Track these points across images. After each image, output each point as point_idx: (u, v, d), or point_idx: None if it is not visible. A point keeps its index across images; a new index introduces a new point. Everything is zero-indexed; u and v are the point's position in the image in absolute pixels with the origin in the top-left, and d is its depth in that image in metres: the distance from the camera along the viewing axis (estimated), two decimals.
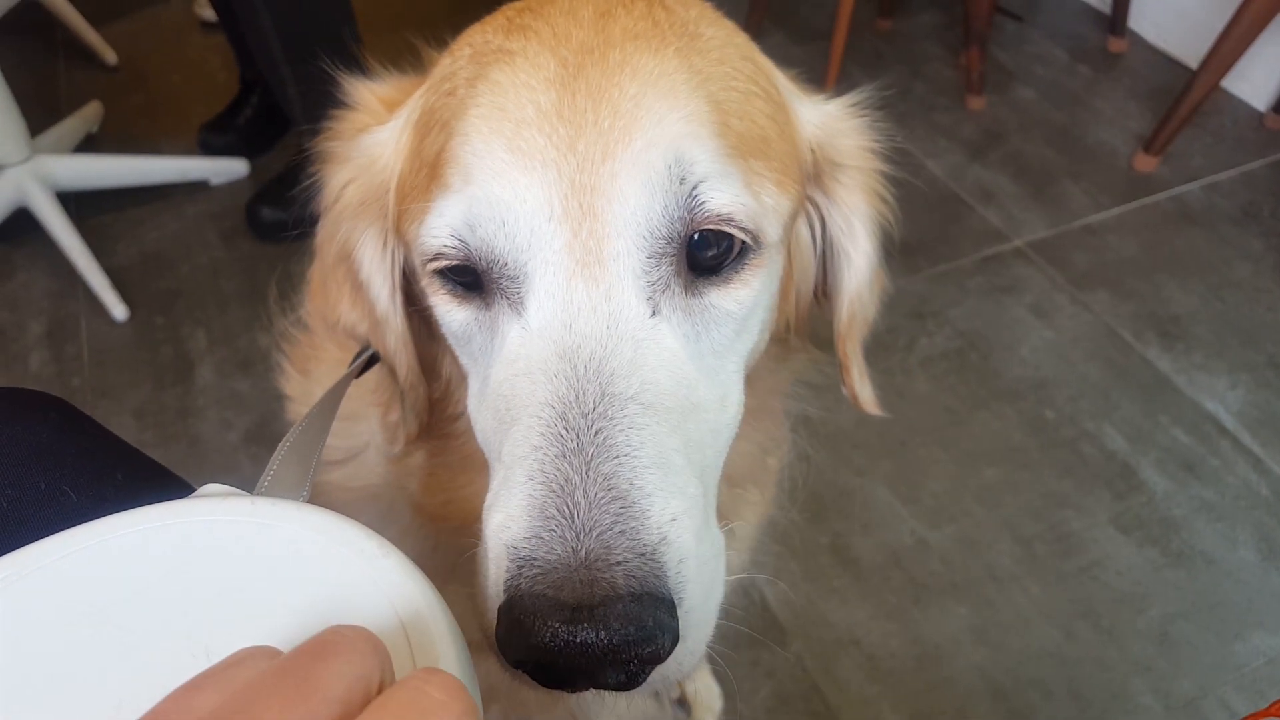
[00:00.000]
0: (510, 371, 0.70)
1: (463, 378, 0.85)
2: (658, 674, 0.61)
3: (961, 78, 3.25)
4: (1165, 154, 2.97)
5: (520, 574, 0.59)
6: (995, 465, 2.19)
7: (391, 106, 0.86)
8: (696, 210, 0.70)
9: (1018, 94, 3.31)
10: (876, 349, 2.45)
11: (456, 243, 0.71)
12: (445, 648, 0.50)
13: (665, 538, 0.61)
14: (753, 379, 0.83)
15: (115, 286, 2.55)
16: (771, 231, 0.76)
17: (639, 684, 0.60)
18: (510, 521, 0.62)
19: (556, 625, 0.56)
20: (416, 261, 0.78)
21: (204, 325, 2.55)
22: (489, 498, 0.68)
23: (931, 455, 2.21)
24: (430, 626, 0.51)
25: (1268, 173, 2.99)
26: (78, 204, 2.76)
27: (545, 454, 0.63)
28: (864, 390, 0.98)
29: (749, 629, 0.89)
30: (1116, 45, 3.50)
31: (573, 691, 0.61)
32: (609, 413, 0.64)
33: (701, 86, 0.72)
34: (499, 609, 0.60)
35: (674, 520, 0.62)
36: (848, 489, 2.15)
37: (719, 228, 0.71)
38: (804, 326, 0.96)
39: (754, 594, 1.97)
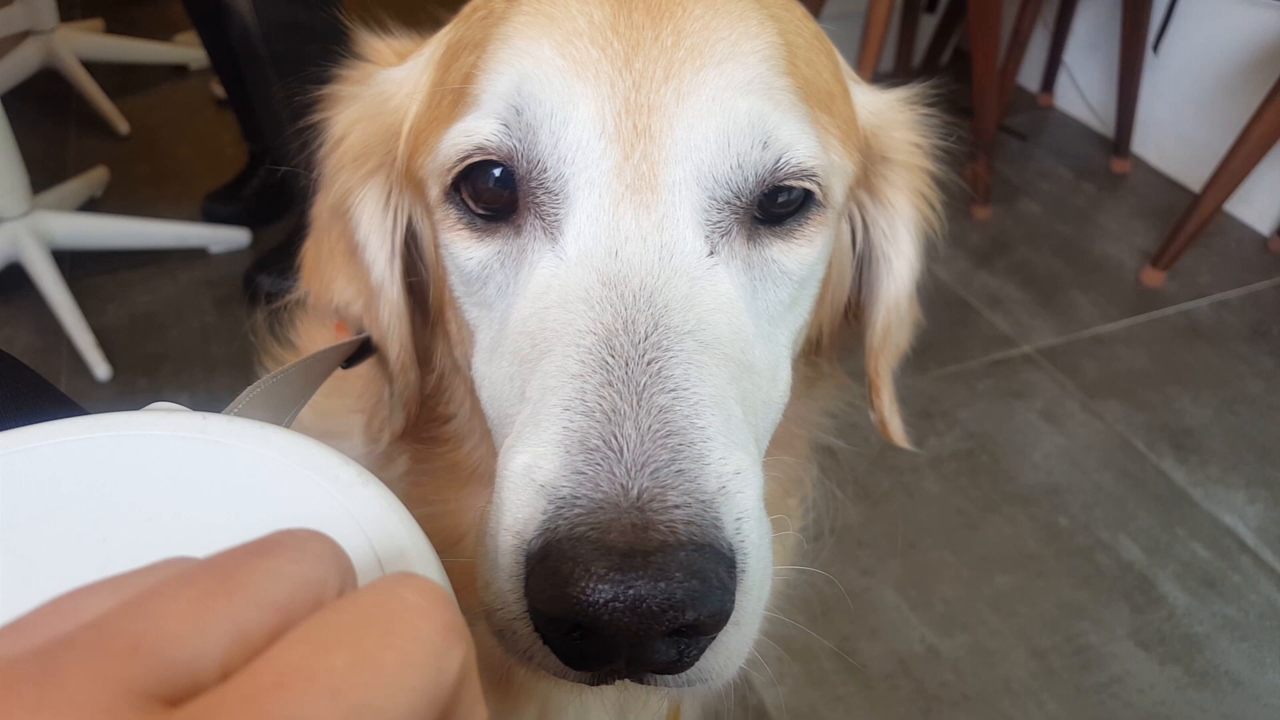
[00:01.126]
0: (540, 305, 0.61)
1: (457, 369, 0.76)
2: (707, 660, 0.51)
3: (968, 189, 3.27)
4: (1173, 270, 2.96)
5: (559, 514, 0.49)
6: (1008, 572, 2.09)
7: (406, 57, 0.79)
8: (779, 169, 0.64)
9: (1023, 207, 3.32)
10: (886, 445, 2.37)
11: (498, 132, 0.63)
12: None
13: (725, 488, 0.52)
14: None
15: (101, 346, 2.47)
16: (838, 190, 0.71)
17: (688, 665, 0.50)
18: (542, 459, 0.52)
19: (605, 572, 0.46)
20: (432, 194, 0.70)
21: (189, 389, 2.46)
22: (508, 442, 0.58)
23: (942, 558, 2.11)
24: (413, 568, 0.42)
25: (1275, 294, 2.98)
26: (73, 263, 2.71)
27: (587, 382, 0.54)
28: (894, 420, 0.91)
29: None
30: (1120, 166, 3.55)
31: (601, 677, 0.51)
32: (664, 343, 0.56)
33: (772, 20, 0.67)
34: (530, 556, 0.50)
35: (738, 473, 0.53)
36: (854, 590, 2.04)
37: (798, 182, 0.66)
38: (834, 347, 0.89)
39: (751, 698, 1.84)
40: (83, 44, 3.39)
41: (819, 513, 1.06)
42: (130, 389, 2.45)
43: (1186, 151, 3.42)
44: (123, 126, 3.37)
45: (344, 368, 0.80)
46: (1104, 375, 2.62)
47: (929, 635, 1.96)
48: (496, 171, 0.65)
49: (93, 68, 3.39)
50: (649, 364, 0.55)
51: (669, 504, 0.49)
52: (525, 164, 0.63)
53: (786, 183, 0.65)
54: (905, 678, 1.89)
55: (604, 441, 0.51)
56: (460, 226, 0.68)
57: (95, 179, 3.02)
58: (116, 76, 3.57)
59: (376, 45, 0.81)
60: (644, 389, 0.53)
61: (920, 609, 2.01)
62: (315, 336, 0.98)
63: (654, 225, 0.61)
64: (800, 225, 0.68)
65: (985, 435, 2.41)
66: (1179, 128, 3.46)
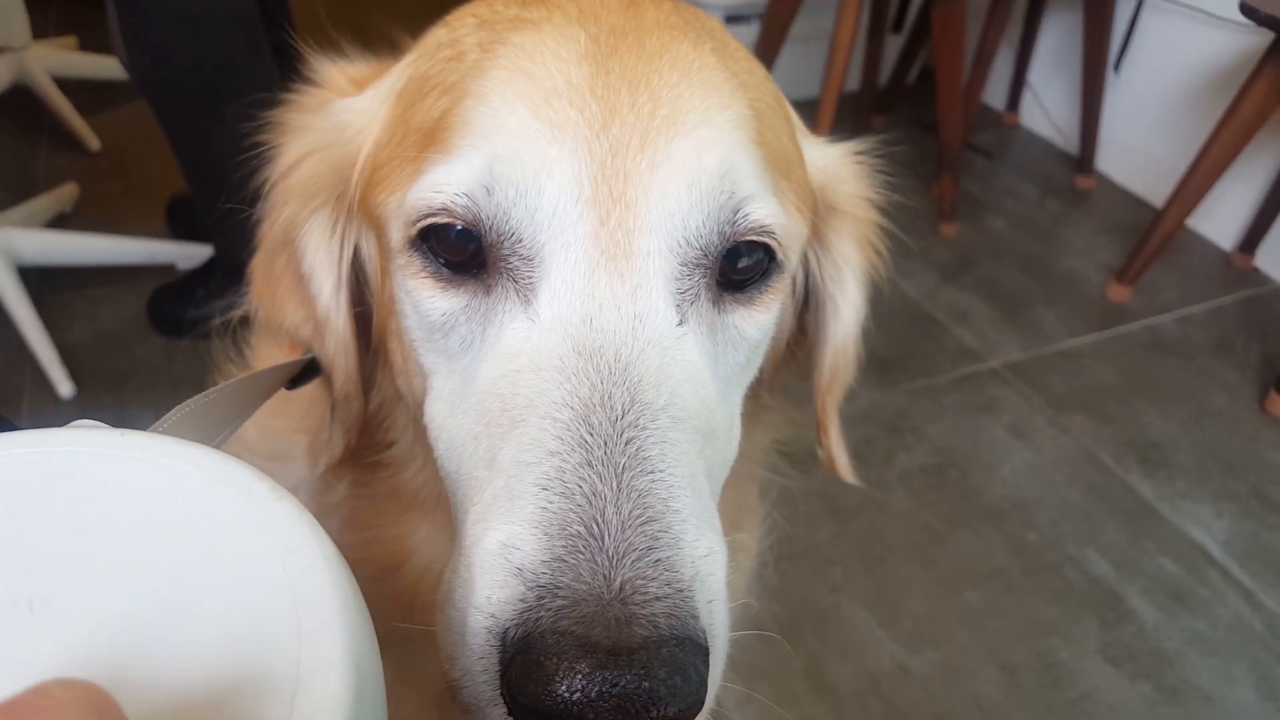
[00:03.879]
0: (510, 367, 0.61)
1: (399, 397, 0.75)
2: None
3: (934, 206, 3.29)
4: (1137, 285, 2.99)
5: (541, 605, 0.49)
6: (978, 587, 2.08)
7: (362, 85, 0.78)
8: (740, 222, 0.65)
9: (989, 223, 3.35)
10: (854, 460, 2.36)
11: (465, 203, 0.62)
12: (337, 611, 0.40)
13: (699, 573, 0.52)
14: None
15: (65, 363, 2.43)
16: (794, 254, 0.72)
17: None
18: (518, 540, 0.51)
19: (590, 671, 0.46)
20: (394, 237, 0.68)
21: (153, 407, 2.41)
22: (476, 511, 0.57)
23: (911, 574, 2.10)
24: (323, 584, 0.41)
25: (1238, 309, 3.01)
26: (40, 280, 2.66)
27: (565, 460, 0.54)
28: (840, 455, 0.92)
29: None
30: (1084, 183, 3.58)
31: None
32: (640, 421, 0.56)
33: (741, 91, 0.68)
34: (506, 644, 0.49)
35: (709, 555, 0.53)
36: (823, 607, 2.03)
37: (758, 238, 0.66)
38: (776, 381, 0.90)
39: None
40: (55, 61, 3.35)
41: (775, 538, 1.06)
42: (94, 406, 2.41)
43: (1149, 168, 3.46)
44: (94, 143, 3.33)
45: (289, 388, 0.78)
46: (1071, 390, 2.64)
47: (899, 653, 1.95)
48: (458, 226, 0.64)
49: (65, 85, 3.35)
50: (627, 444, 0.55)
51: (650, 596, 0.49)
52: (496, 234, 0.63)
53: (748, 238, 0.66)
54: (875, 696, 1.87)
55: (585, 527, 0.51)
56: (425, 275, 0.66)
57: (65, 195, 2.98)
58: (89, 93, 3.52)
59: (329, 71, 0.80)
60: (623, 470, 0.54)
61: (890, 626, 2.00)
62: (271, 356, 0.96)
63: (628, 294, 0.61)
64: (760, 293, 0.70)
65: (953, 450, 2.41)
66: (1141, 145, 3.51)
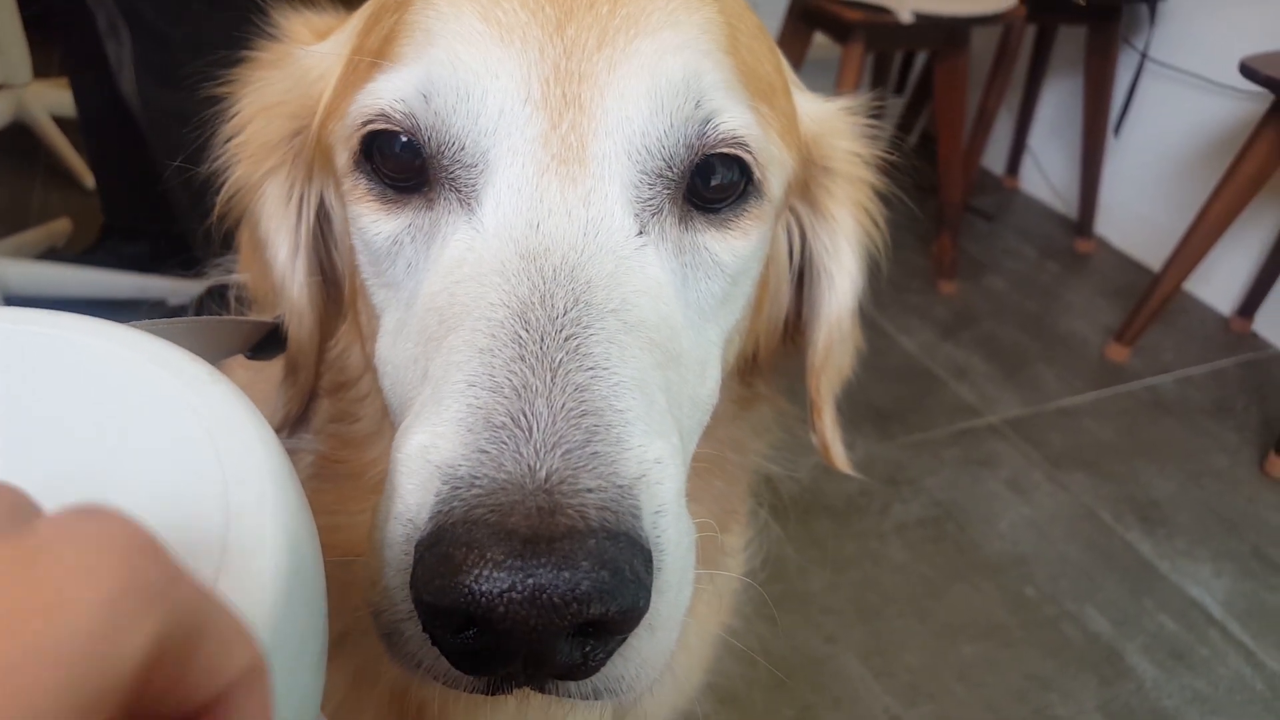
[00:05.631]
0: (451, 279, 0.57)
1: (369, 366, 0.71)
2: (616, 665, 0.46)
3: (933, 265, 3.31)
4: (1136, 346, 2.99)
5: (455, 495, 0.45)
6: (975, 642, 2.04)
7: (327, 35, 0.75)
8: (709, 133, 0.61)
9: (988, 282, 3.36)
10: (850, 511, 2.35)
11: (403, 109, 0.59)
12: (269, 493, 0.38)
13: (645, 476, 0.47)
14: (710, 426, 0.70)
15: None
16: (775, 183, 0.68)
17: (594, 670, 0.46)
18: (440, 438, 0.48)
19: (503, 559, 0.41)
20: (340, 160, 0.65)
21: None
22: (404, 423, 0.53)
23: (907, 626, 2.06)
24: (256, 465, 0.39)
25: (1237, 371, 3.01)
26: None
27: (496, 356, 0.50)
28: (835, 443, 0.87)
29: None
30: (1084, 246, 3.61)
31: (497, 684, 0.46)
32: (584, 319, 0.52)
33: (714, 0, 0.65)
34: (418, 544, 0.45)
35: (658, 462, 0.49)
36: (816, 657, 1.98)
37: (731, 150, 0.63)
38: (770, 367, 0.86)
39: None
40: (55, 100, 3.38)
41: (764, 554, 1.02)
42: None
43: (1148, 233, 3.49)
44: (90, 181, 3.35)
45: (250, 357, 0.74)
46: (1070, 447, 2.62)
47: (893, 705, 1.90)
48: (403, 138, 0.61)
49: (63, 123, 3.39)
50: (566, 339, 0.51)
51: (580, 486, 0.45)
52: (435, 144, 0.60)
53: (719, 149, 0.62)
54: None
55: (511, 418, 0.47)
56: (370, 198, 0.63)
57: (57, 230, 2.99)
58: (85, 133, 3.57)
59: (294, 24, 0.78)
60: (559, 365, 0.50)
61: (884, 678, 1.95)
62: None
63: (580, 199, 0.57)
64: (736, 216, 0.66)
65: (951, 503, 2.38)
66: (1141, 210, 3.54)
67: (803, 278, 0.83)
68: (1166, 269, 2.82)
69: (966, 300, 3.23)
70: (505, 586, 0.41)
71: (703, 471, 0.74)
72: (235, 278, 0.84)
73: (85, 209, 3.30)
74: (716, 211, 0.65)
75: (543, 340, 0.50)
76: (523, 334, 0.51)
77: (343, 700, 0.77)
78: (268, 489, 0.38)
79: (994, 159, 4.07)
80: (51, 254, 2.96)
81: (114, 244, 2.82)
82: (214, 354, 0.67)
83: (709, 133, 0.62)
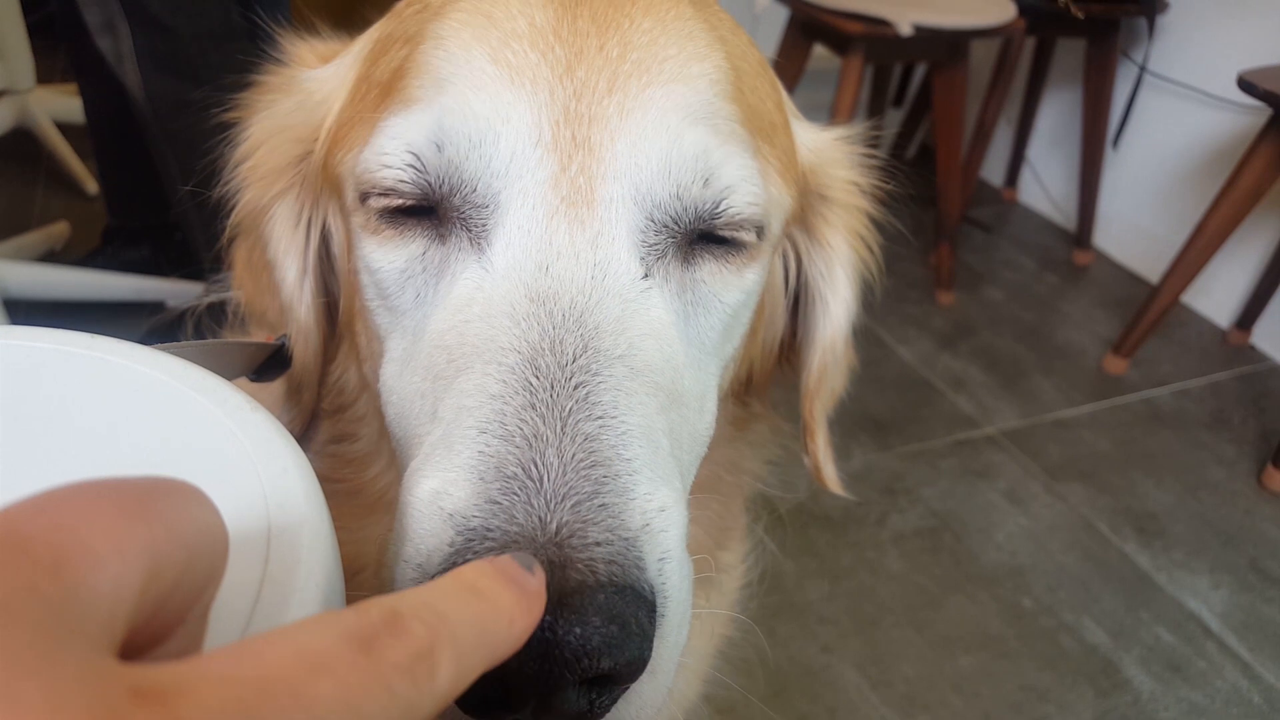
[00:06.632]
0: (460, 318, 0.57)
1: (365, 385, 0.71)
2: (619, 710, 0.47)
3: (931, 275, 3.32)
4: (1134, 358, 2.99)
5: (468, 548, 0.46)
6: (972, 652, 2.04)
7: (331, 60, 0.76)
8: (719, 214, 0.62)
9: (986, 294, 3.37)
10: (847, 521, 2.35)
11: (413, 167, 0.60)
12: (308, 514, 0.39)
13: (649, 525, 0.48)
14: (707, 449, 0.71)
15: None
16: (776, 224, 0.69)
17: (599, 715, 0.46)
18: (452, 485, 0.48)
19: None
20: (348, 197, 0.66)
21: None
22: (414, 464, 0.54)
23: (904, 636, 2.06)
24: (294, 488, 0.40)
25: (1235, 384, 3.01)
26: (27, 315, 2.66)
27: (508, 404, 0.51)
28: (828, 465, 0.88)
29: None
30: (1082, 258, 3.62)
31: None
32: (593, 367, 0.53)
33: (720, 45, 0.66)
34: None
35: (662, 510, 0.50)
36: (813, 667, 1.98)
37: (735, 234, 0.64)
38: (766, 387, 0.87)
39: None
40: (58, 105, 3.40)
41: (760, 570, 1.02)
42: None
43: (1146, 245, 3.50)
44: (91, 186, 3.36)
45: (254, 379, 0.75)
46: (1067, 458, 2.62)
47: (890, 716, 1.90)
48: (408, 186, 0.62)
49: (66, 129, 3.40)
50: (576, 388, 0.52)
51: (589, 540, 0.46)
52: (446, 188, 0.60)
53: (724, 232, 0.64)
54: None
55: (523, 469, 0.48)
56: (380, 229, 0.64)
57: (56, 233, 2.99)
58: (90, 137, 3.58)
59: (299, 48, 0.79)
60: (569, 414, 0.50)
61: (881, 688, 1.95)
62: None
63: (588, 242, 0.58)
64: (737, 253, 0.67)
65: (949, 514, 2.38)
66: (1139, 222, 3.55)
67: (797, 301, 0.84)
68: (1164, 281, 2.82)
69: (964, 311, 3.24)
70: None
71: (699, 491, 0.75)
72: (231, 294, 0.84)
73: (87, 214, 3.31)
74: (718, 251, 0.66)
75: (553, 388, 0.52)
76: (533, 381, 0.52)
77: None
78: (306, 514, 0.39)
79: (993, 171, 4.09)
80: (50, 258, 2.96)
81: (115, 249, 2.83)
82: (223, 376, 0.69)
83: (719, 214, 0.63)
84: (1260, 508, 2.51)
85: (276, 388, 0.80)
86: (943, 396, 2.81)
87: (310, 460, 0.80)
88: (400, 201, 0.62)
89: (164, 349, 0.54)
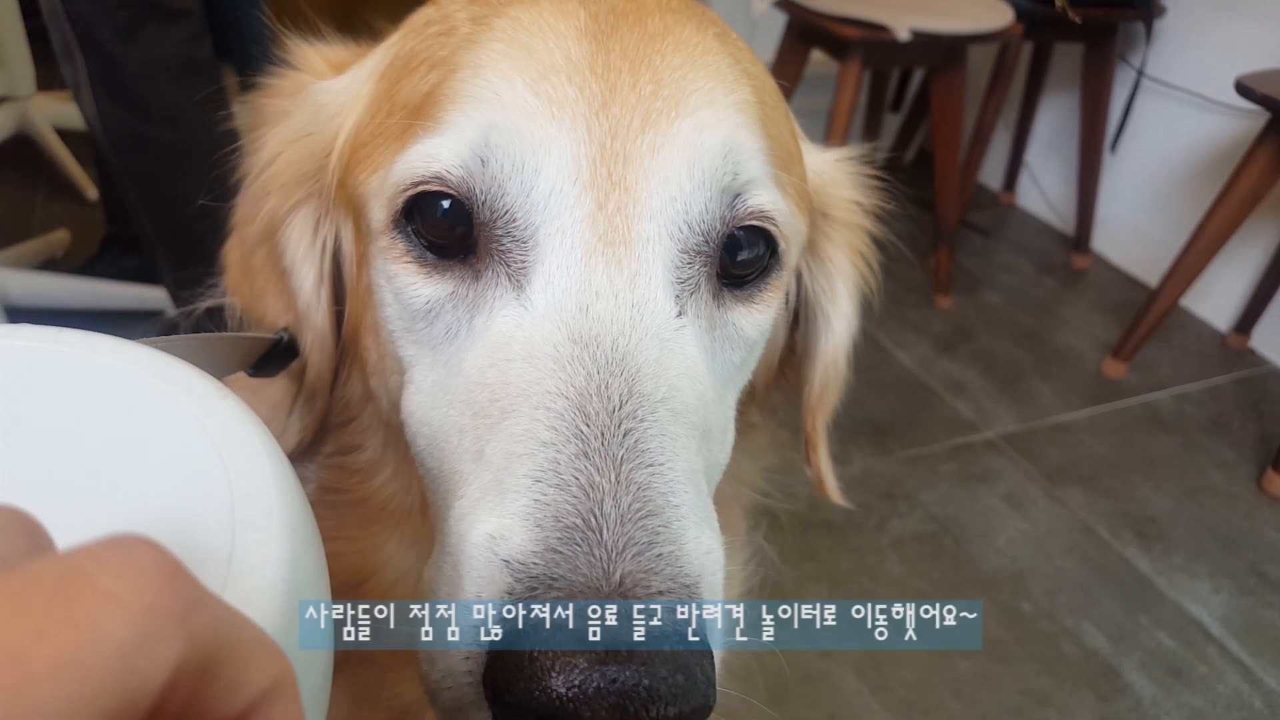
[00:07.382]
0: (500, 356, 0.58)
1: (369, 398, 0.72)
2: None
3: (930, 279, 3.31)
4: (1133, 362, 2.99)
5: (531, 595, 0.46)
6: (970, 657, 2.03)
7: (340, 68, 0.76)
8: (739, 207, 0.63)
9: (985, 298, 3.37)
10: (847, 526, 2.35)
11: (461, 174, 0.60)
12: (276, 507, 0.39)
13: (703, 571, 0.50)
14: None
15: None
16: (794, 253, 0.71)
17: None
18: (508, 531, 0.49)
19: (589, 665, 0.43)
20: (375, 214, 0.66)
21: None
22: (462, 505, 0.54)
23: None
24: (263, 479, 0.40)
25: (1234, 388, 3.01)
26: (29, 322, 2.66)
27: (561, 452, 0.51)
28: (829, 477, 0.90)
29: None
30: (1080, 262, 3.62)
31: None
32: (639, 413, 0.53)
33: (745, 78, 0.67)
34: (493, 641, 0.46)
35: (709, 553, 0.51)
36: (813, 673, 1.98)
37: (759, 224, 0.65)
38: (766, 399, 0.88)
39: None
40: (58, 112, 3.39)
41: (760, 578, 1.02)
42: None
43: (1145, 249, 3.50)
44: (91, 192, 3.36)
45: (253, 373, 0.74)
46: (1066, 462, 2.62)
47: None
48: (446, 203, 0.62)
49: (66, 135, 3.40)
50: (625, 435, 0.52)
51: (653, 590, 0.47)
52: (489, 212, 0.61)
53: (749, 222, 0.65)
54: None
55: (582, 519, 0.48)
56: (408, 259, 0.64)
57: (56, 241, 2.99)
58: (88, 144, 3.59)
59: (307, 53, 0.78)
60: (621, 462, 0.51)
61: (880, 693, 1.95)
62: None
63: (626, 282, 0.59)
64: (759, 290, 0.68)
65: (948, 518, 2.38)
66: (1137, 225, 3.55)
67: (798, 316, 0.85)
68: (1163, 285, 2.82)
69: (963, 315, 3.24)
70: (592, 692, 0.43)
71: None
72: (227, 300, 0.84)
73: (87, 221, 3.31)
74: (743, 286, 0.67)
75: (603, 436, 0.52)
76: (584, 429, 0.52)
77: (349, 714, 0.77)
78: (274, 503, 0.39)
79: (991, 175, 4.09)
80: (50, 265, 2.96)
81: (114, 256, 2.82)
82: (217, 370, 0.68)
83: (739, 206, 0.64)
84: (1260, 511, 2.50)
85: (278, 394, 0.79)
86: (942, 401, 2.81)
87: (315, 470, 0.80)
88: (441, 188, 0.61)
89: (152, 343, 0.54)
